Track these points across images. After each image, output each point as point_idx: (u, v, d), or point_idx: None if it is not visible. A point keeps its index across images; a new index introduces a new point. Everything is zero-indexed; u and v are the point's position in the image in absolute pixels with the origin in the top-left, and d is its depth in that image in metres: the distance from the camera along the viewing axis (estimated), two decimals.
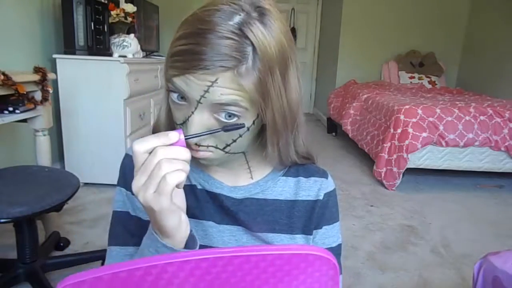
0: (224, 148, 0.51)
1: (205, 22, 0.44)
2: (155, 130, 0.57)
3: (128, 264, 0.28)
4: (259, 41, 0.44)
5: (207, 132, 0.47)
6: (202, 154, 0.51)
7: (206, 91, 0.45)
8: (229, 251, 0.29)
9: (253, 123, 0.49)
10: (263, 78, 0.45)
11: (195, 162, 0.59)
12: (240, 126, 0.48)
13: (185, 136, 0.45)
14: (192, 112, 0.47)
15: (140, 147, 0.42)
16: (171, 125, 0.55)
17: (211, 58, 0.43)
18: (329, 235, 0.62)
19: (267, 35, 0.45)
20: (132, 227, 0.59)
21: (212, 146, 0.50)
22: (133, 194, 0.44)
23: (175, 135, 0.43)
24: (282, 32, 0.47)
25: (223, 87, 0.44)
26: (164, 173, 0.40)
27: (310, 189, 0.61)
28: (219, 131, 0.47)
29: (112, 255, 0.59)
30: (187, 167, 0.42)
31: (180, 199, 0.49)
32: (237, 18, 0.44)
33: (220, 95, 0.45)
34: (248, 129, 0.49)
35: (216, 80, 0.44)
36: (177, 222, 0.45)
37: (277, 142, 0.53)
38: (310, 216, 0.60)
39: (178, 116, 0.50)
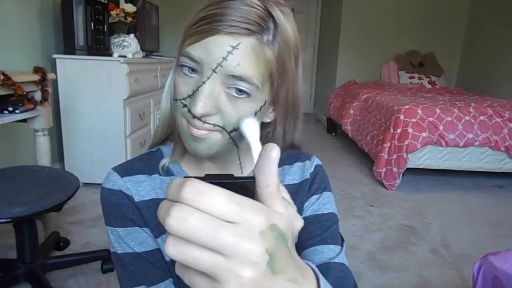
0: (231, 132, 0.48)
1: None
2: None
3: None
4: (281, 22, 0.46)
5: None
6: (204, 133, 0.47)
7: (225, 58, 0.43)
8: None
9: (260, 109, 0.49)
10: (283, 55, 0.47)
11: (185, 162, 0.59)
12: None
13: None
14: (204, 82, 0.45)
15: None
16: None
17: (236, 20, 0.43)
18: (318, 202, 0.61)
19: (287, 20, 0.47)
20: (135, 266, 0.55)
21: (219, 126, 0.47)
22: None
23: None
24: (295, 30, 0.50)
25: (242, 57, 0.43)
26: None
27: (295, 173, 0.62)
28: None
29: None
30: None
31: None
32: None
33: (236, 64, 0.43)
34: (255, 113, 0.48)
35: (238, 45, 0.43)
36: None
37: (285, 121, 0.55)
38: (298, 196, 0.60)
39: (184, 90, 0.47)
